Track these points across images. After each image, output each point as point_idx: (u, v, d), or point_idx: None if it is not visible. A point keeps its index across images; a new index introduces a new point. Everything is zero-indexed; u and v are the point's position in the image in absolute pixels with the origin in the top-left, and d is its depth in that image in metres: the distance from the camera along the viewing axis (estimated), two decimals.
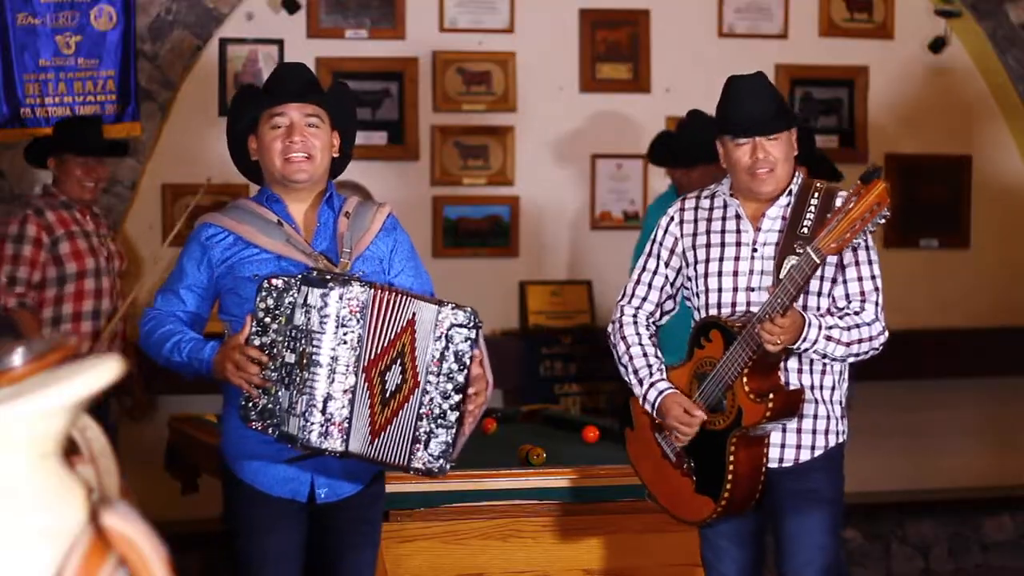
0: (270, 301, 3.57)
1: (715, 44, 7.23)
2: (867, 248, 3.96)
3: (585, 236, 7.26)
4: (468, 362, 3.63)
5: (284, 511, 3.76)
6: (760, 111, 3.88)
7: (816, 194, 3.93)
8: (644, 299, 4.09)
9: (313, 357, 3.52)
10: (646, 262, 4.10)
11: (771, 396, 3.83)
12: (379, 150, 6.99)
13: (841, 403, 4.03)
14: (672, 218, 4.08)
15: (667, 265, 4.07)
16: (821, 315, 3.87)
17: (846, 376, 4.05)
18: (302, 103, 3.80)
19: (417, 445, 3.61)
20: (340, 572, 3.87)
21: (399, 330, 3.59)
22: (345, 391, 3.53)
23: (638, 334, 4.06)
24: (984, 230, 7.62)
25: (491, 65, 7.11)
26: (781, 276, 3.80)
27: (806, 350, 3.85)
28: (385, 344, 3.58)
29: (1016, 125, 7.56)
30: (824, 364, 3.95)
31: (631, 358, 4.04)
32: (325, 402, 3.52)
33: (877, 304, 4.00)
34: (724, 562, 4.03)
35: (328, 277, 3.55)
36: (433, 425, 3.61)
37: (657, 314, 4.11)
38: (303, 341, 3.53)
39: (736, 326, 3.83)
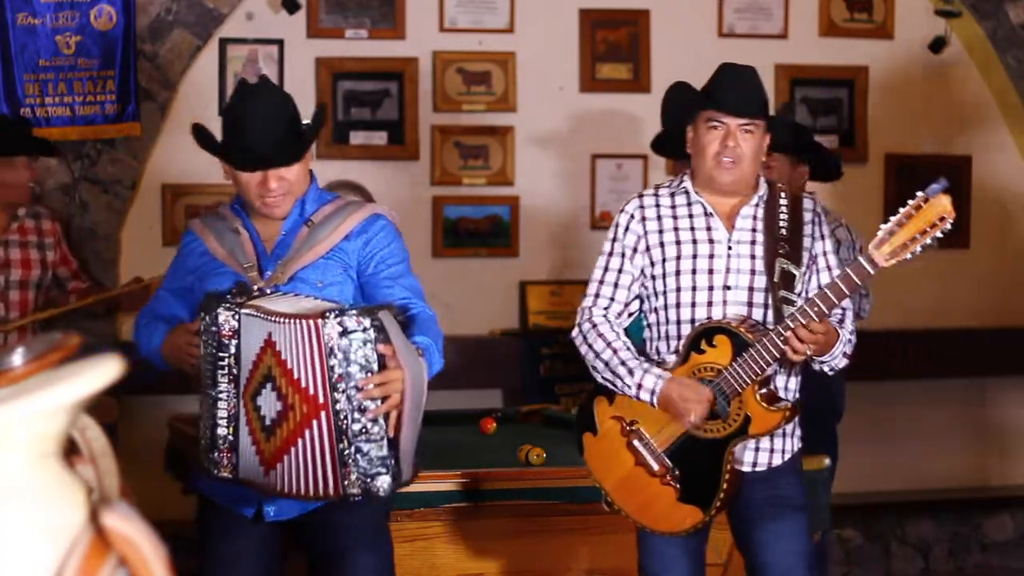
0: (202, 324, 3.54)
1: (715, 44, 7.23)
2: (836, 253, 3.98)
3: (585, 236, 7.26)
4: (376, 367, 3.35)
5: (236, 522, 3.71)
6: (747, 96, 3.89)
7: (783, 194, 3.93)
8: (612, 299, 3.97)
9: (206, 381, 3.51)
10: (609, 262, 3.98)
11: (787, 407, 3.79)
12: (379, 150, 7.00)
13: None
14: (632, 216, 3.97)
15: (632, 263, 3.96)
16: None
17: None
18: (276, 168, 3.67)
19: (347, 468, 3.39)
20: None
21: (259, 351, 3.44)
22: (229, 418, 3.49)
23: (616, 332, 3.94)
24: (984, 230, 7.63)
25: (491, 65, 7.11)
26: (775, 279, 3.77)
27: (824, 362, 3.81)
28: (250, 367, 3.46)
29: (1016, 125, 7.56)
30: (794, 367, 3.90)
31: (615, 351, 3.89)
32: (214, 429, 3.50)
33: (852, 312, 3.97)
34: (674, 572, 3.93)
35: (228, 296, 3.49)
36: (361, 442, 3.37)
37: (624, 316, 3.99)
38: (207, 365, 3.52)
39: (750, 334, 3.75)
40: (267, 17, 6.85)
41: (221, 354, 3.47)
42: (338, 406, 3.36)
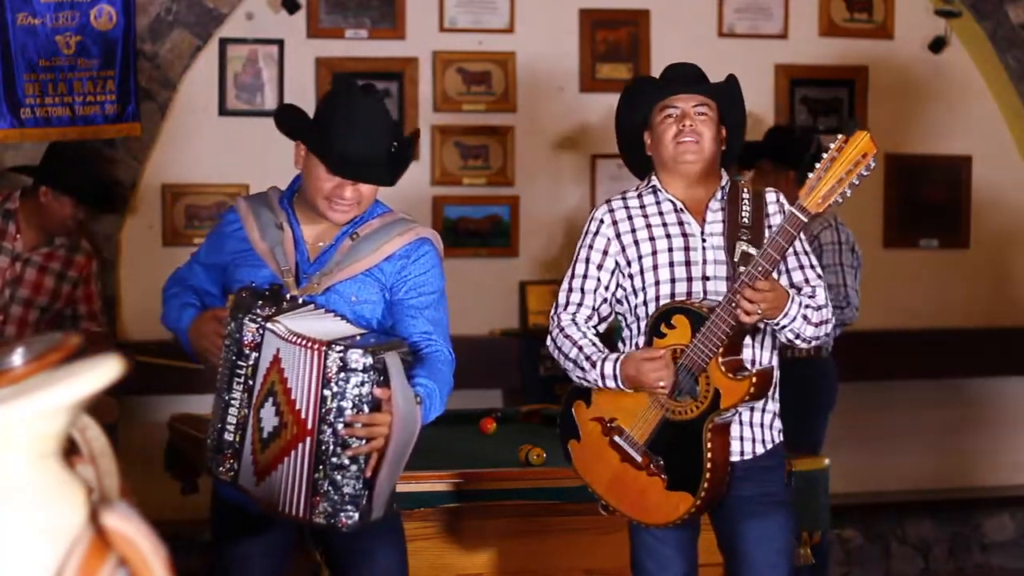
0: (227, 328, 3.54)
1: (715, 44, 7.23)
2: (800, 240, 3.96)
3: None
4: (367, 408, 3.35)
5: (248, 521, 3.69)
6: (692, 77, 3.98)
7: (745, 190, 3.98)
8: (580, 304, 3.98)
9: (222, 384, 3.52)
10: (576, 268, 4.00)
11: (753, 373, 3.79)
12: None
13: (777, 399, 3.98)
14: (603, 221, 4.00)
15: (600, 268, 3.98)
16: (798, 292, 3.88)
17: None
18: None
19: (317, 497, 3.40)
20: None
21: (268, 365, 3.46)
22: (237, 425, 3.50)
23: (582, 332, 3.95)
24: (984, 230, 7.63)
25: (491, 65, 7.12)
26: (736, 259, 3.80)
27: (783, 327, 3.81)
28: (261, 380, 3.48)
29: (1016, 125, 7.56)
30: (773, 351, 3.93)
31: (581, 348, 3.91)
32: (222, 433, 3.52)
33: (825, 289, 3.96)
34: (669, 571, 3.94)
35: (257, 306, 3.48)
36: (336, 475, 3.37)
37: (595, 319, 4.00)
38: (225, 369, 3.53)
39: (704, 308, 3.79)
40: (267, 17, 6.85)
41: (240, 363, 3.49)
42: (323, 436, 3.38)
